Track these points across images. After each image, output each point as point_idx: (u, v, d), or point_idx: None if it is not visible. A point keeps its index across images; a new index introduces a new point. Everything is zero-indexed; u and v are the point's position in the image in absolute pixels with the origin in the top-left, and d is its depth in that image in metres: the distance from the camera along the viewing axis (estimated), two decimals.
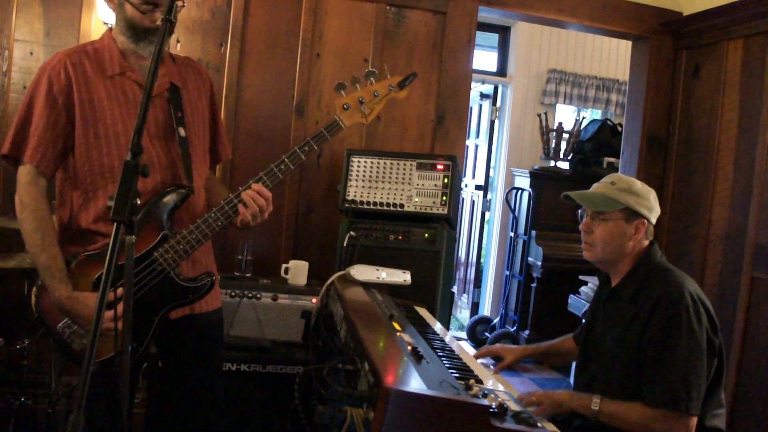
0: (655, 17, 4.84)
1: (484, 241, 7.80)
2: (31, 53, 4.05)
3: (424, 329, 2.70)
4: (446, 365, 2.18)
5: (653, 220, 2.56)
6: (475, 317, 7.24)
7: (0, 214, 3.83)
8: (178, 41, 4.13)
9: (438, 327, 2.89)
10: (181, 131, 2.33)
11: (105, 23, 3.93)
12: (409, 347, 2.15)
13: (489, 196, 7.66)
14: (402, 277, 3.18)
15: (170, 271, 2.27)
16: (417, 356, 2.06)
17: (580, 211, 2.68)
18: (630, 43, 5.21)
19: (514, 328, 6.69)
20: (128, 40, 2.27)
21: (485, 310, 7.55)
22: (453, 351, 2.46)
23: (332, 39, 4.34)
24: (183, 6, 2.05)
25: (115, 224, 1.55)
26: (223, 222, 2.31)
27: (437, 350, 2.35)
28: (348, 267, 3.12)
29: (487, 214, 7.69)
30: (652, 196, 2.57)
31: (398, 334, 2.32)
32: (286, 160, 2.38)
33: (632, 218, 2.52)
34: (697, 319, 2.33)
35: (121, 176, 1.59)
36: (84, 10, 4.05)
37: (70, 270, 2.23)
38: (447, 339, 2.66)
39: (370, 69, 2.61)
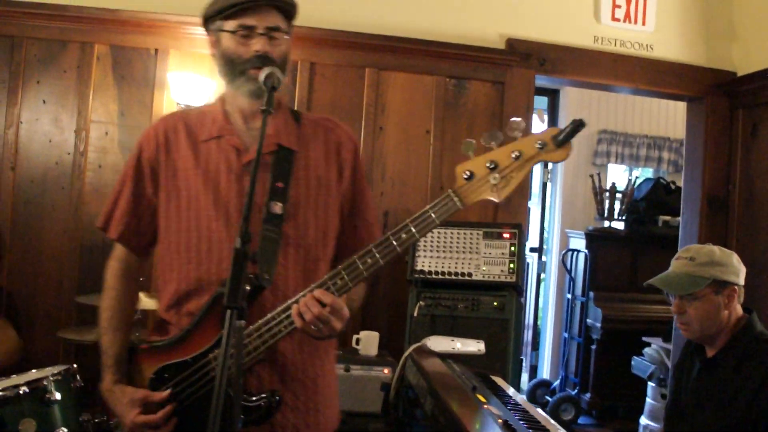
0: (709, 78, 4.90)
1: (540, 303, 7.76)
2: (107, 133, 4.24)
3: (506, 400, 2.71)
4: None
5: (742, 283, 2.54)
6: (535, 380, 7.17)
7: (79, 291, 3.96)
8: None
9: (520, 398, 2.90)
10: (275, 207, 1.87)
11: (178, 103, 4.09)
12: (500, 420, 2.17)
13: (544, 258, 7.64)
14: (476, 346, 3.21)
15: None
16: (510, 430, 2.09)
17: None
18: (680, 101, 5.25)
19: (575, 390, 6.60)
20: (226, 81, 1.97)
21: (544, 372, 7.47)
22: (539, 422, 2.46)
23: (394, 112, 4.46)
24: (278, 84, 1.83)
25: (228, 311, 1.48)
26: (283, 330, 1.77)
27: (523, 422, 2.36)
28: (423, 338, 3.16)
29: (542, 275, 7.67)
30: (734, 259, 2.55)
31: (485, 406, 2.34)
32: (374, 250, 1.74)
33: (721, 288, 2.50)
34: None
35: (232, 264, 1.52)
36: (156, 91, 4.25)
37: (132, 360, 1.99)
38: (530, 409, 2.66)
39: (515, 119, 1.74)
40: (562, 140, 1.67)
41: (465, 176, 1.72)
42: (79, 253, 4.19)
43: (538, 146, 1.69)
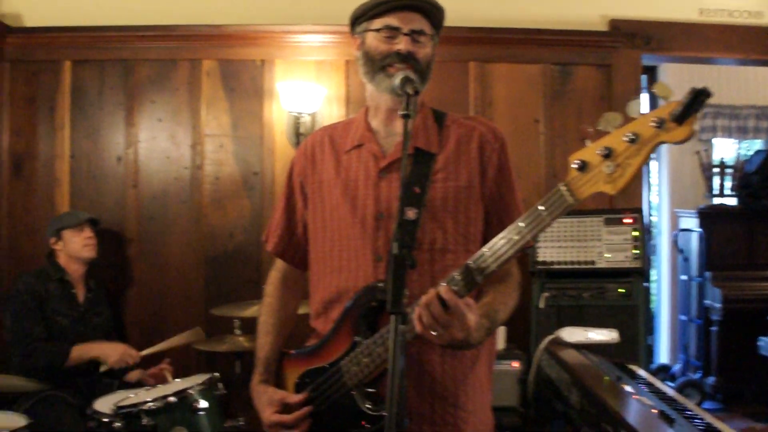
0: None
1: (652, 286, 7.58)
2: (221, 146, 4.35)
3: (650, 389, 2.67)
4: (696, 427, 2.14)
5: None
6: (654, 365, 7.00)
7: (206, 302, 4.09)
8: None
9: (662, 386, 2.85)
10: (409, 213, 1.79)
11: (289, 112, 4.17)
12: (653, 410, 2.14)
13: (653, 240, 7.47)
14: (609, 335, 3.17)
15: (352, 388, 1.82)
16: (667, 419, 2.06)
17: None
18: None
19: (698, 374, 6.42)
20: (367, 79, 1.96)
21: (661, 357, 7.30)
22: (691, 410, 2.41)
23: (501, 103, 4.44)
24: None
25: (392, 317, 1.47)
26: (410, 334, 1.64)
27: (675, 411, 2.32)
28: (550, 329, 3.14)
29: (652, 257, 7.49)
30: None
31: (634, 396, 2.31)
32: (486, 253, 1.62)
33: None
34: None
35: (392, 269, 1.50)
36: (265, 101, 4.35)
37: (280, 364, 2.06)
38: (678, 398, 2.61)
39: (608, 113, 1.53)
40: (681, 114, 1.36)
41: (576, 166, 1.50)
42: (204, 265, 4.33)
43: (654, 125, 1.40)
